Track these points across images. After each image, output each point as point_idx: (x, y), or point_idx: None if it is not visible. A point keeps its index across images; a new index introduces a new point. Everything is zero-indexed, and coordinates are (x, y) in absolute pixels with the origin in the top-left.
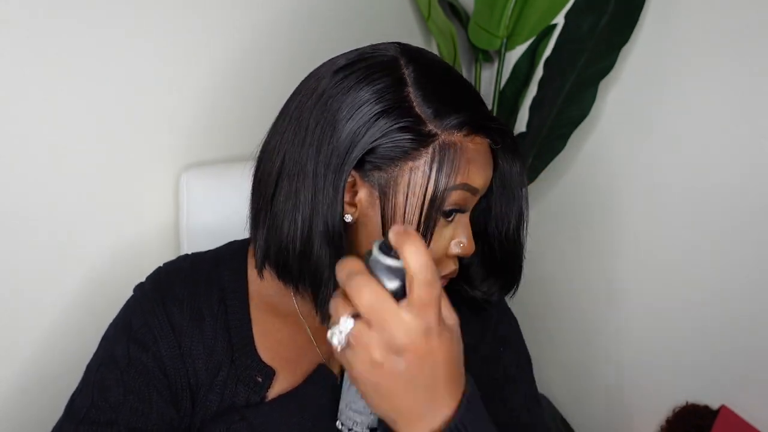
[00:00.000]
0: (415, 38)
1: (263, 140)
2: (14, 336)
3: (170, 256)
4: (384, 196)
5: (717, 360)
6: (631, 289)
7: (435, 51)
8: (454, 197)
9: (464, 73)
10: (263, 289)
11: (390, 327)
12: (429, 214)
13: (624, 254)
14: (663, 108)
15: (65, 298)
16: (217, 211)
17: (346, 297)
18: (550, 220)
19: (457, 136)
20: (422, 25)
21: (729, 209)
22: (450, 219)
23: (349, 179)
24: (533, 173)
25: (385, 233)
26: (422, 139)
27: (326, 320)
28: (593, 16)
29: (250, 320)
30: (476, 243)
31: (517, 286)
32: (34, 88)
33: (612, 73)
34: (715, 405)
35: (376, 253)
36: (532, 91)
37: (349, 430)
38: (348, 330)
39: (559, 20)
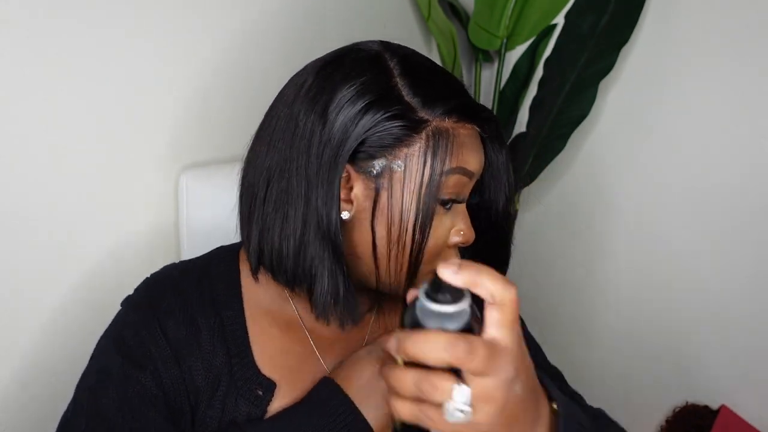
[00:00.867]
0: (415, 38)
1: (250, 142)
2: (14, 336)
3: (170, 256)
4: (380, 186)
5: (717, 360)
6: (631, 289)
7: (435, 51)
8: (451, 182)
9: (464, 73)
10: (259, 296)
11: (499, 362)
12: (427, 201)
13: (624, 254)
14: (663, 108)
15: (65, 298)
16: (217, 211)
17: (426, 372)
18: (550, 220)
19: (448, 123)
20: (422, 25)
21: (729, 209)
22: (448, 207)
23: (344, 174)
24: (533, 173)
25: (374, 233)
26: (414, 126)
27: (327, 320)
28: (593, 16)
29: (246, 330)
30: None
31: (504, 274)
32: (34, 88)
33: (612, 73)
34: (715, 405)
35: (427, 302)
36: (532, 91)
37: None
38: (468, 397)
39: (559, 20)
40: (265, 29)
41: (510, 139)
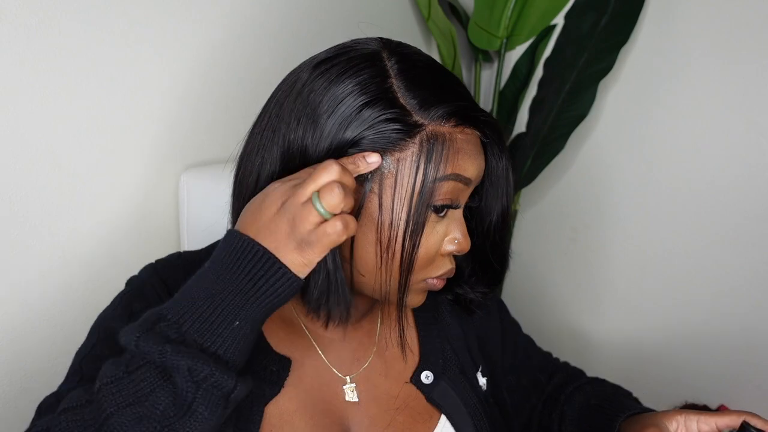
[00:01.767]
0: (415, 38)
1: (244, 139)
2: (14, 335)
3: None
4: (369, 190)
5: (717, 360)
6: (630, 289)
7: (435, 51)
8: (445, 189)
9: (464, 73)
10: None
11: None
12: (418, 207)
13: (623, 254)
14: (662, 108)
15: (65, 298)
16: (218, 210)
17: None
18: (549, 219)
19: (445, 127)
20: (422, 25)
21: (729, 209)
22: (442, 215)
23: None
24: (533, 173)
25: (360, 238)
26: (408, 130)
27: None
28: (593, 16)
29: None
30: None
31: (502, 281)
32: (34, 88)
33: (611, 73)
34: (714, 405)
35: None
36: (532, 91)
37: None
38: None
39: (559, 20)
40: (266, 29)
41: (510, 140)
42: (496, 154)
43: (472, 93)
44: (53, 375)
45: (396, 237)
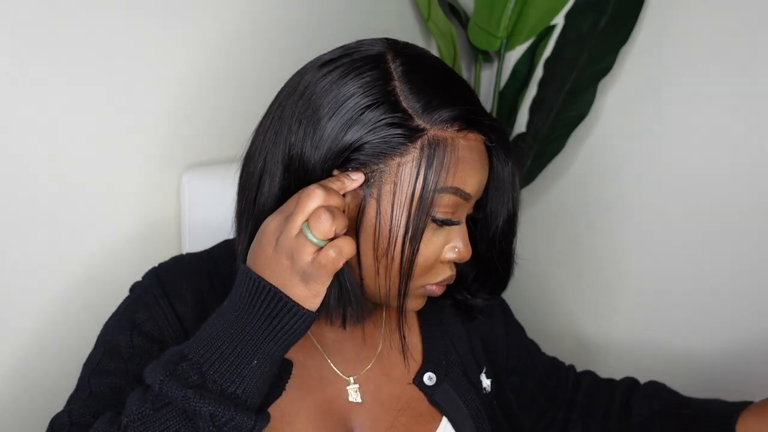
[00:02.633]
0: (415, 38)
1: (249, 140)
2: (14, 335)
3: (172, 255)
4: (368, 195)
5: (717, 360)
6: (631, 289)
7: (435, 51)
8: (445, 201)
9: (464, 74)
10: None
11: None
12: (418, 214)
13: (623, 254)
14: (662, 108)
15: (66, 298)
16: (219, 210)
17: None
18: (549, 220)
19: (448, 132)
20: (422, 26)
21: (729, 210)
22: (441, 225)
23: None
24: (533, 173)
25: (358, 243)
26: (410, 134)
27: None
28: (593, 16)
29: None
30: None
31: (505, 287)
32: (35, 89)
33: (611, 73)
34: None
35: None
36: (532, 91)
37: None
38: None
39: (559, 20)
40: (268, 29)
41: (510, 140)
42: (501, 159)
43: None
44: (54, 376)
45: (395, 242)
